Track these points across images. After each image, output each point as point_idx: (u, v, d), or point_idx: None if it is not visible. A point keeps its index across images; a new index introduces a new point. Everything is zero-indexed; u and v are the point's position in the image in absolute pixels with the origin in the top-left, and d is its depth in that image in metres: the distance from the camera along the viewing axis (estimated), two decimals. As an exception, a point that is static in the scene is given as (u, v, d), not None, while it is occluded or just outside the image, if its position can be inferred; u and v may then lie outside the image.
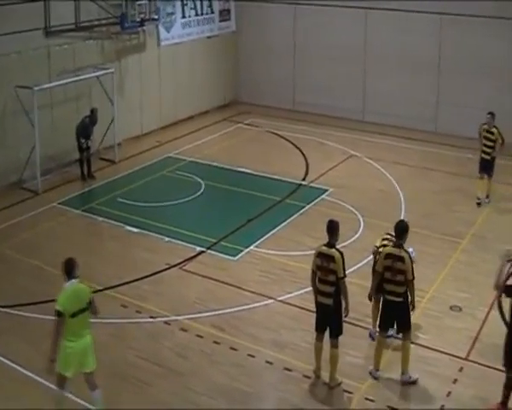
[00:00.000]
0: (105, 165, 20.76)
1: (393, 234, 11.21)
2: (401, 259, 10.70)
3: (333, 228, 10.78)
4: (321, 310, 10.93)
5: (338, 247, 10.78)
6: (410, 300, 10.86)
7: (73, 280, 9.57)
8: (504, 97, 22.29)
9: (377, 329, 11.50)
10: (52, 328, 9.49)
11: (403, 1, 23.97)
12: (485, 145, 17.94)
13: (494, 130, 17.77)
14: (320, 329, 11.02)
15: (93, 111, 19.55)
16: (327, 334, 10.96)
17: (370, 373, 11.27)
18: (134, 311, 13.00)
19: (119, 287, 13.81)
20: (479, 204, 17.98)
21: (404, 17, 24.27)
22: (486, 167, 18.01)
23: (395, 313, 10.98)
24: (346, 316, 10.89)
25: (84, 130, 19.39)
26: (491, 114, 17.86)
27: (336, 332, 10.88)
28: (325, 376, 11.06)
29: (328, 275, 10.65)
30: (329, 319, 10.87)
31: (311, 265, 10.94)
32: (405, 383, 11.04)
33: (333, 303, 10.72)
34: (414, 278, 10.71)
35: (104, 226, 16.83)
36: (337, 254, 10.60)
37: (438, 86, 24.16)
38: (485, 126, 17.92)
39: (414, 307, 10.99)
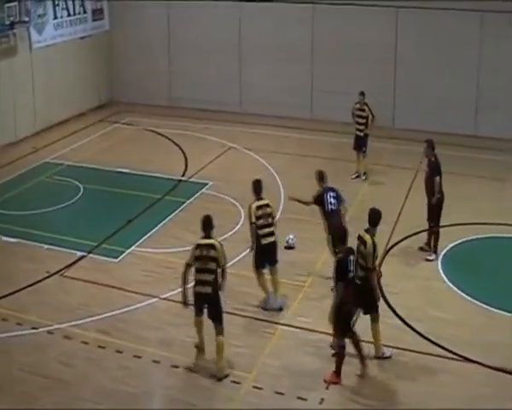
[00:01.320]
0: (-22, 176, 20.06)
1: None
2: (364, 243, 11.15)
3: (207, 223, 11.21)
4: (200, 300, 11.12)
5: (219, 239, 11.15)
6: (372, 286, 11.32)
7: None
8: (376, 83, 23.01)
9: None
10: None
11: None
12: (358, 123, 19.04)
13: (365, 107, 18.83)
14: (199, 312, 11.23)
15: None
16: (209, 323, 11.15)
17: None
18: (15, 323, 12.65)
19: (-2, 301, 13.44)
20: (357, 177, 19.23)
21: (277, 7, 24.68)
22: (360, 144, 19.06)
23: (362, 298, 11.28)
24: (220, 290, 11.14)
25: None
26: (362, 93, 18.79)
27: (217, 320, 11.07)
28: (212, 368, 11.19)
29: (208, 263, 10.93)
30: (209, 308, 11.10)
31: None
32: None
33: (212, 291, 10.98)
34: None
35: (-21, 239, 16.28)
36: (217, 243, 11.04)
37: (312, 74, 24.69)
38: (357, 105, 18.96)
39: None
